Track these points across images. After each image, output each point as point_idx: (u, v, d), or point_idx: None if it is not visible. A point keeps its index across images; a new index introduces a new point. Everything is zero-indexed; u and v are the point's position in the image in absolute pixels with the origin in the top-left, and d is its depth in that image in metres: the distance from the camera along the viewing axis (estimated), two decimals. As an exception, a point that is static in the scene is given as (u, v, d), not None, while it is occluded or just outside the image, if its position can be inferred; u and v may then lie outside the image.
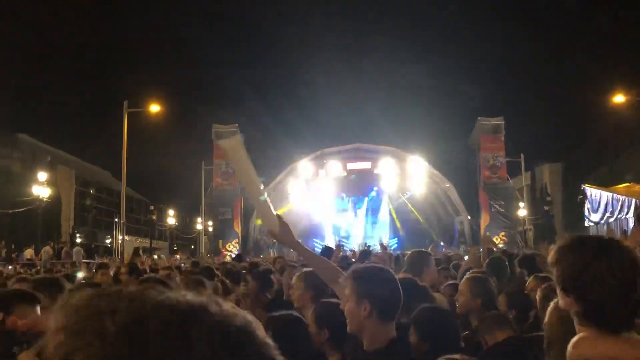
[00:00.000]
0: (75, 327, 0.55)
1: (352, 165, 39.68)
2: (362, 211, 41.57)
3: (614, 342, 1.65)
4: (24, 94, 63.00)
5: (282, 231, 2.68)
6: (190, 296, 0.60)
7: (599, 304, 1.66)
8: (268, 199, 2.67)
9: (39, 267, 23.27)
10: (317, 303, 3.26)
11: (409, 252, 5.20)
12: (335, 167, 38.83)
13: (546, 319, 2.16)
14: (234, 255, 28.25)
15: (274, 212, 2.69)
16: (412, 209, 41.29)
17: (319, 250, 8.60)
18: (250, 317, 0.61)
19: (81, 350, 0.52)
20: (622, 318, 1.66)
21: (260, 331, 0.60)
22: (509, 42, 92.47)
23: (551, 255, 1.86)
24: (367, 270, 2.57)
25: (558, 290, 1.81)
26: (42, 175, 23.68)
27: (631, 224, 20.67)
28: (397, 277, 2.63)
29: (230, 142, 2.48)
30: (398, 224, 40.95)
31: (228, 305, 0.60)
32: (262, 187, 2.68)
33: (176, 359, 0.52)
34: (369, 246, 29.44)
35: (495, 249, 9.16)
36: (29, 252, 23.77)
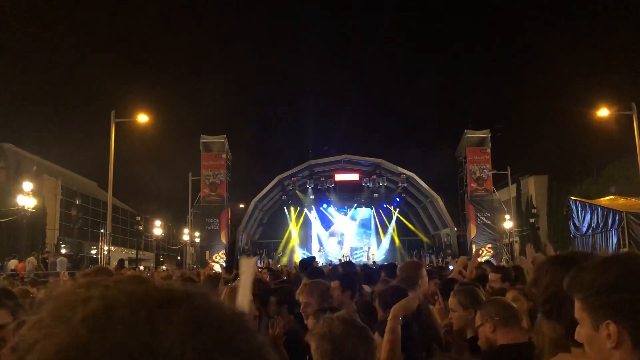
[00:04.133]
0: (48, 318, 0.55)
1: (340, 177, 39.79)
2: (351, 223, 41.68)
3: None
4: (9, 103, 62.56)
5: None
6: (179, 286, 0.58)
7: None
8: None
9: (23, 278, 23.05)
10: (385, 288, 3.88)
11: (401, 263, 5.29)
12: (323, 179, 38.92)
13: (536, 327, 2.07)
14: (219, 267, 28.19)
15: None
16: (400, 220, 41.51)
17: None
18: (240, 311, 0.59)
19: (45, 339, 0.52)
20: None
21: (251, 327, 0.59)
22: (496, 56, 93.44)
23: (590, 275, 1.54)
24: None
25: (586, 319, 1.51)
26: (28, 185, 23.42)
27: (615, 235, 20.89)
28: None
29: (249, 261, 2.90)
30: (394, 236, 41.20)
31: (217, 298, 0.58)
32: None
33: (138, 348, 0.50)
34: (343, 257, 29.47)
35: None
36: (13, 263, 23.49)
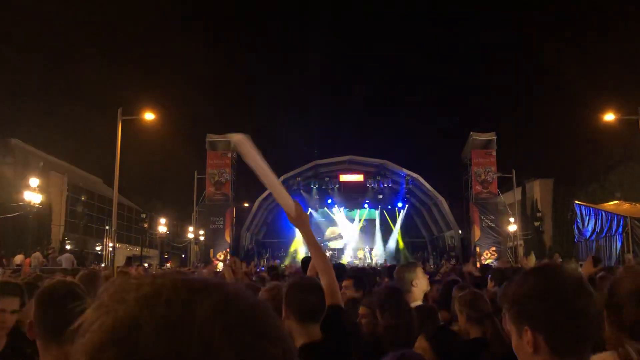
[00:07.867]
0: (107, 300, 0.67)
1: (345, 177, 39.84)
2: (355, 224, 41.70)
3: None
4: (17, 99, 62.89)
5: (298, 213, 2.87)
6: (211, 277, 0.70)
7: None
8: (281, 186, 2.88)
9: (28, 273, 23.18)
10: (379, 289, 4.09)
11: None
12: (328, 179, 39.00)
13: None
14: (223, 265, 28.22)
15: (289, 196, 2.85)
16: (404, 222, 41.50)
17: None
18: (263, 299, 0.70)
19: (104, 315, 0.64)
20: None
21: (273, 314, 0.70)
22: (502, 60, 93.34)
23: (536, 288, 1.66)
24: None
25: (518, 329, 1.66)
26: (34, 181, 23.57)
27: (619, 240, 20.87)
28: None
29: (238, 136, 2.72)
30: (398, 237, 41.19)
31: (246, 289, 0.70)
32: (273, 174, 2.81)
33: (178, 321, 0.62)
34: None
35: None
36: (18, 258, 23.65)
